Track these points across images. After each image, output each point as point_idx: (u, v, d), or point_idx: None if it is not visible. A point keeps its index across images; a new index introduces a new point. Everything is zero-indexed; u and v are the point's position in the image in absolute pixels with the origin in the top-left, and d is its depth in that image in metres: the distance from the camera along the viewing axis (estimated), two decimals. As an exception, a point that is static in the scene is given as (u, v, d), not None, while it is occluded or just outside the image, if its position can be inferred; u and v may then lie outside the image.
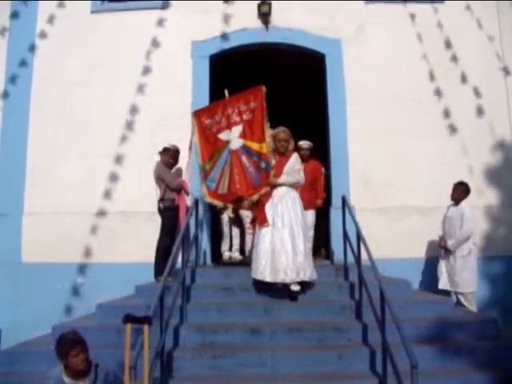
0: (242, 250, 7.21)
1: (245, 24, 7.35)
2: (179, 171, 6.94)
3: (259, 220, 5.52)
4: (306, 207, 6.31)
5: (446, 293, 6.13)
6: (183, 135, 7.07)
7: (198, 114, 6.47)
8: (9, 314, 6.67)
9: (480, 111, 7.25)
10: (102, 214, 7.04)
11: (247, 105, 6.00)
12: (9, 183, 7.16)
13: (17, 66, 7.46)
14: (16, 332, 6.19)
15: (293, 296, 5.26)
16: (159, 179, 6.34)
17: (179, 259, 5.57)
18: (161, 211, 6.37)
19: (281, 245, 5.25)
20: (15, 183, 7.15)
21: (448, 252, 6.20)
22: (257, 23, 7.35)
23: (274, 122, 5.89)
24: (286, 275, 5.13)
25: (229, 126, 6.12)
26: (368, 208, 6.82)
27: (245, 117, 6.03)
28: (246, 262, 6.29)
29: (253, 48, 7.37)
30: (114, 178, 7.12)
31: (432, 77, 7.32)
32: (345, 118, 7.23)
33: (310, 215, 6.72)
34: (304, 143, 6.94)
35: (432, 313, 5.12)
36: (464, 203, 6.29)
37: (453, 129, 7.21)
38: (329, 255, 6.87)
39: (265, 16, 7.24)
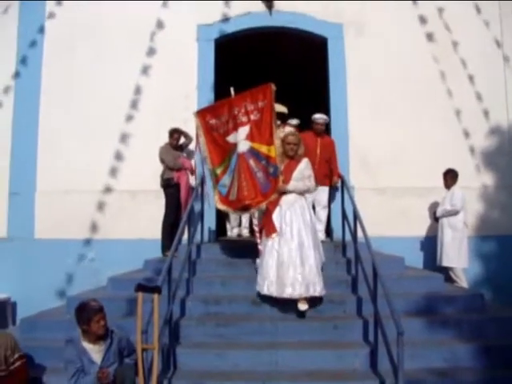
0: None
1: (249, 8, 7.49)
2: (188, 152, 7.23)
3: (266, 230, 5.18)
4: (320, 183, 6.47)
5: (442, 271, 6.40)
6: (189, 115, 7.31)
7: (201, 114, 6.04)
8: (22, 286, 6.97)
9: (478, 96, 7.43)
10: (110, 191, 7.30)
11: (255, 104, 5.52)
12: (22, 163, 7.41)
13: (27, 48, 7.63)
14: (29, 304, 6.49)
15: (300, 314, 4.93)
16: (160, 159, 6.76)
17: (185, 235, 5.87)
18: (163, 188, 6.79)
19: (289, 257, 4.90)
20: (28, 163, 7.39)
21: (437, 222, 6.73)
22: (261, 7, 7.49)
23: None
24: (293, 290, 4.82)
25: (235, 128, 5.63)
26: (366, 188, 7.08)
27: (252, 117, 5.57)
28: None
29: (257, 32, 7.56)
30: (121, 157, 7.36)
31: (432, 61, 7.48)
32: (346, 101, 7.43)
33: (324, 192, 6.75)
34: (320, 117, 6.77)
35: (422, 287, 5.41)
36: (455, 186, 6.68)
37: (450, 112, 7.40)
38: (329, 233, 7.16)
39: (268, 0, 7.40)
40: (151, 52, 7.54)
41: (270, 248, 5.05)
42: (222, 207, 5.89)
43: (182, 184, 6.72)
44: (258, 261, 5.38)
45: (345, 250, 6.11)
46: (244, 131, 5.57)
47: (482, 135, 7.42)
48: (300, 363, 4.40)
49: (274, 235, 5.05)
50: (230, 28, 7.53)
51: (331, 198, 7.09)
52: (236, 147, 5.62)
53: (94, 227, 7.27)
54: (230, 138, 5.71)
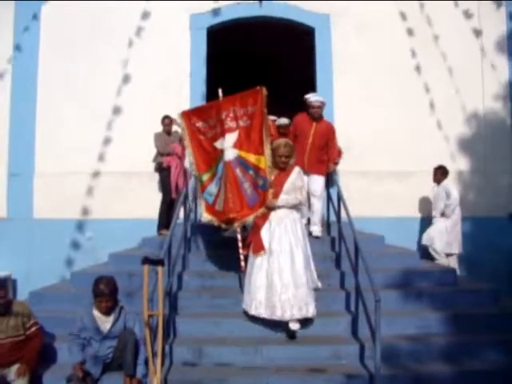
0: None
1: (240, -3, 7.82)
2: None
3: (254, 247, 4.87)
4: (313, 172, 6.09)
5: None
6: (182, 101, 7.65)
7: (187, 115, 5.60)
8: (23, 264, 7.31)
9: (456, 87, 7.87)
10: (106, 174, 7.62)
11: (244, 108, 5.15)
12: (21, 146, 7.72)
13: (23, 33, 7.85)
14: (29, 281, 6.91)
15: (291, 335, 4.72)
16: (154, 144, 7.17)
17: (181, 215, 6.22)
18: (157, 172, 7.27)
19: (279, 277, 4.63)
20: (27, 146, 7.69)
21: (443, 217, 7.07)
22: (251, -3, 7.81)
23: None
24: (284, 312, 4.59)
25: (223, 133, 5.24)
26: (350, 171, 7.47)
27: (241, 123, 5.18)
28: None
29: (247, 21, 7.89)
30: (118, 141, 7.67)
31: (414, 52, 7.91)
32: (331, 88, 7.82)
33: (318, 182, 6.23)
34: (316, 100, 6.24)
35: (400, 263, 5.87)
36: (446, 181, 7.13)
37: (431, 101, 7.85)
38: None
39: (259, -9, 7.72)
40: (145, 39, 7.82)
41: (258, 267, 4.77)
42: (207, 217, 5.44)
43: (173, 168, 7.10)
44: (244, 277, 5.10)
45: (329, 228, 6.55)
46: (231, 138, 5.21)
47: (459, 122, 7.88)
48: (288, 330, 4.79)
49: (261, 253, 4.78)
50: (222, 18, 7.85)
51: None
52: (223, 154, 5.26)
53: (91, 208, 7.60)
54: (218, 144, 5.34)
